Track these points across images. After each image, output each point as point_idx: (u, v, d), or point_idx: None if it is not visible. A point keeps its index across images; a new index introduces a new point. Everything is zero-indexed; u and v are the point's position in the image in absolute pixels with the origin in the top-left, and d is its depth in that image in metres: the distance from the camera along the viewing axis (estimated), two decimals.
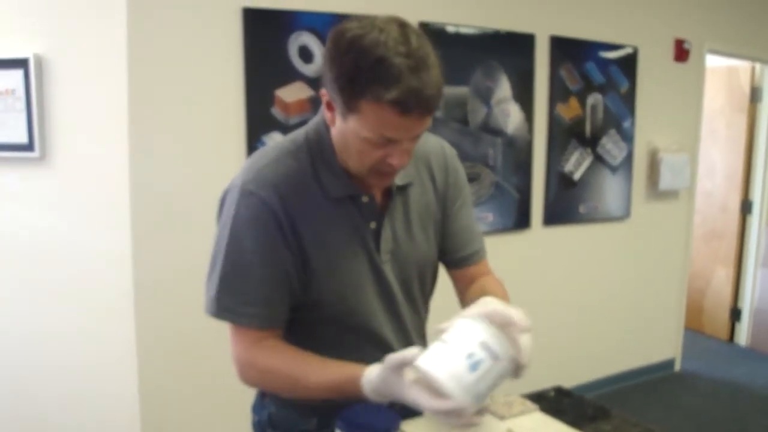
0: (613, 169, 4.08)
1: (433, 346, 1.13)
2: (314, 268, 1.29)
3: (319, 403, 1.31)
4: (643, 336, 4.52)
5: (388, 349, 1.41)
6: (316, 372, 1.25)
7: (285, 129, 2.85)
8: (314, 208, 1.29)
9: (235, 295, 1.26)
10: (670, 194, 4.44)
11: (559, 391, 1.73)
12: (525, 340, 1.14)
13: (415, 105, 1.13)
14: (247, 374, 1.30)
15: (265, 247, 1.25)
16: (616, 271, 4.26)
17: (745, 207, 5.23)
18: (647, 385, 4.50)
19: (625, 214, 4.21)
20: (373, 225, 1.34)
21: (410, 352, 1.12)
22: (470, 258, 1.51)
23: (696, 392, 4.47)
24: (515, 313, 1.15)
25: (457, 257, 1.50)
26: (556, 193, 3.85)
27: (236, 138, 2.79)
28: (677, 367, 4.77)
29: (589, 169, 3.97)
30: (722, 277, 5.39)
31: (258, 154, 1.34)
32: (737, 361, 5.02)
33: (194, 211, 2.62)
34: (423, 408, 1.12)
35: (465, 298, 1.48)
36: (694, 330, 5.47)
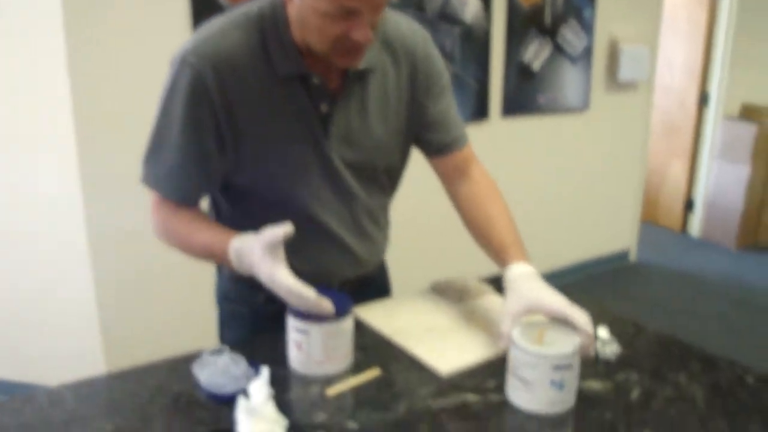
0: (573, 60, 4.01)
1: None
2: (247, 150, 1.26)
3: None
4: (599, 227, 4.58)
5: (336, 239, 1.38)
6: (199, 232, 1.28)
7: None
8: (256, 86, 1.23)
9: (157, 164, 1.26)
10: (630, 86, 4.41)
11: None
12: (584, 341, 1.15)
13: None
14: (157, 231, 1.33)
15: (190, 120, 1.21)
16: (574, 162, 4.26)
17: (702, 100, 5.23)
18: (602, 275, 4.60)
19: (584, 106, 4.17)
20: (324, 108, 1.27)
21: (284, 230, 1.12)
22: (451, 145, 1.44)
23: (650, 282, 4.58)
24: (580, 318, 1.16)
25: (438, 145, 1.44)
26: (515, 84, 3.78)
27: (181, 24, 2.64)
28: (632, 257, 4.87)
29: (549, 59, 3.89)
30: (678, 169, 5.45)
31: (207, 24, 1.25)
32: (689, 251, 5.15)
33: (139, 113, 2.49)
34: (279, 290, 1.15)
35: (460, 202, 1.45)
36: (648, 222, 5.57)
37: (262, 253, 1.14)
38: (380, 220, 1.49)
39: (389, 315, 1.42)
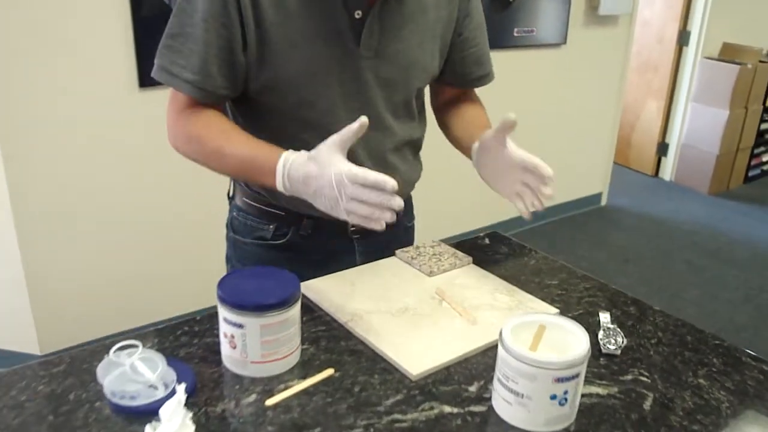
0: None
1: None
2: (270, 47, 1.12)
3: (276, 209, 1.28)
4: (572, 170, 4.37)
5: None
6: (237, 142, 1.13)
7: None
8: None
9: (174, 55, 1.12)
10: (609, 20, 4.12)
11: (494, 238, 1.48)
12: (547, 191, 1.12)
13: None
14: (176, 141, 1.18)
15: (214, 9, 1.08)
16: (548, 101, 4.00)
17: (682, 38, 4.99)
18: (574, 219, 4.42)
19: (561, 41, 3.89)
20: (357, 14, 1.15)
21: (360, 122, 1.00)
22: (481, 80, 1.40)
23: (621, 227, 4.42)
24: (541, 164, 1.12)
25: (468, 79, 1.38)
26: (489, 15, 3.46)
27: None
28: (604, 201, 4.69)
29: None
30: (653, 110, 5.23)
31: None
32: (662, 195, 4.99)
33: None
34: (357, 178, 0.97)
35: (450, 117, 1.40)
36: (620, 164, 5.38)
37: (334, 149, 1.01)
38: (408, 155, 1.34)
39: (347, 294, 1.17)
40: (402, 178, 1.29)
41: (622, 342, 1.07)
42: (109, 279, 2.62)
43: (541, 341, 0.91)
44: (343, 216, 1.00)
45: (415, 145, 1.37)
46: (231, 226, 1.39)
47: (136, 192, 2.58)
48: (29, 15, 2.19)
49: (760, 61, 4.95)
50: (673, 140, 5.17)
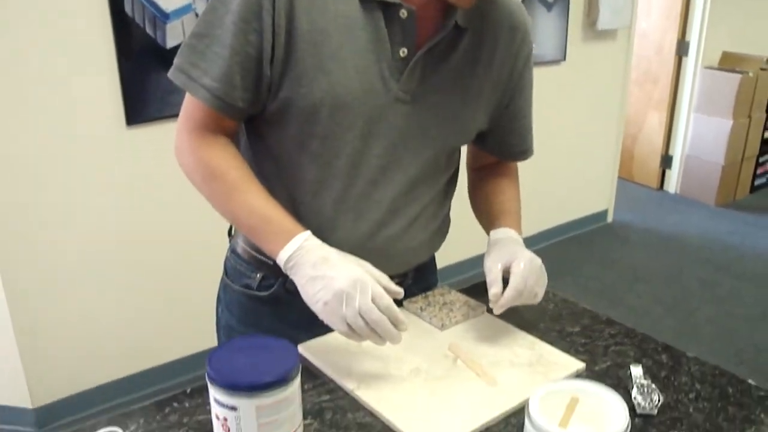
0: (549, 6, 3.63)
1: None
2: (296, 65, 1.02)
3: (264, 257, 1.15)
4: (577, 187, 4.27)
5: (361, 217, 1.13)
6: (255, 193, 1.06)
7: None
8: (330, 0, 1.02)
9: (196, 56, 1.03)
10: (608, 34, 4.04)
11: (506, 280, 1.38)
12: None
13: None
14: (186, 161, 1.10)
15: (248, 12, 0.99)
16: (549, 119, 3.89)
17: (681, 48, 4.91)
18: (581, 238, 4.32)
19: (561, 57, 3.81)
20: (403, 52, 1.05)
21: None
22: (522, 154, 1.31)
23: (629, 244, 4.31)
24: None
25: (507, 151, 1.30)
26: None
27: None
28: (610, 218, 4.59)
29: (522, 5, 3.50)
30: (655, 122, 5.14)
31: None
32: (668, 209, 4.89)
33: None
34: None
35: (478, 190, 1.34)
36: (624, 178, 5.28)
37: (362, 267, 0.98)
38: (422, 215, 1.20)
39: (352, 355, 1.07)
40: (409, 245, 1.21)
41: (659, 400, 0.97)
42: (101, 325, 2.51)
43: (574, 415, 0.80)
44: (332, 321, 0.97)
45: (439, 202, 1.25)
46: (225, 266, 1.30)
47: (127, 234, 2.48)
48: (8, 50, 2.10)
49: (762, 69, 4.86)
50: (677, 152, 5.07)
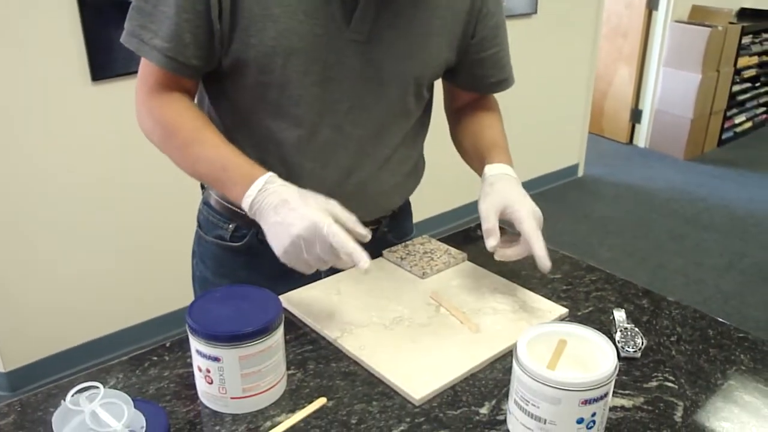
0: None
1: None
2: (243, 16, 0.99)
3: (236, 207, 1.10)
4: (547, 142, 4.27)
5: (329, 164, 1.10)
6: (213, 146, 1.02)
7: None
8: None
9: (144, 18, 1.00)
10: None
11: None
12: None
13: None
14: (144, 123, 1.08)
15: None
16: (520, 72, 3.83)
17: (652, 2, 4.89)
18: (552, 192, 4.34)
19: (532, 10, 3.77)
20: None
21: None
22: (500, 85, 1.26)
23: (600, 197, 4.35)
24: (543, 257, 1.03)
25: (486, 83, 1.24)
26: None
27: None
28: (581, 172, 4.62)
29: None
30: (624, 77, 5.15)
31: None
32: (638, 163, 4.93)
33: None
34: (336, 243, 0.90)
35: (462, 129, 1.28)
36: (594, 133, 5.29)
37: (326, 206, 0.93)
38: (393, 158, 1.18)
39: (333, 305, 1.05)
40: (380, 189, 1.18)
41: (642, 343, 0.97)
42: (73, 284, 2.47)
43: (563, 357, 0.80)
44: (296, 267, 0.95)
45: (408, 144, 1.22)
46: (198, 219, 1.28)
47: (97, 191, 2.42)
48: None
49: (730, 23, 4.88)
50: (647, 106, 5.10)
